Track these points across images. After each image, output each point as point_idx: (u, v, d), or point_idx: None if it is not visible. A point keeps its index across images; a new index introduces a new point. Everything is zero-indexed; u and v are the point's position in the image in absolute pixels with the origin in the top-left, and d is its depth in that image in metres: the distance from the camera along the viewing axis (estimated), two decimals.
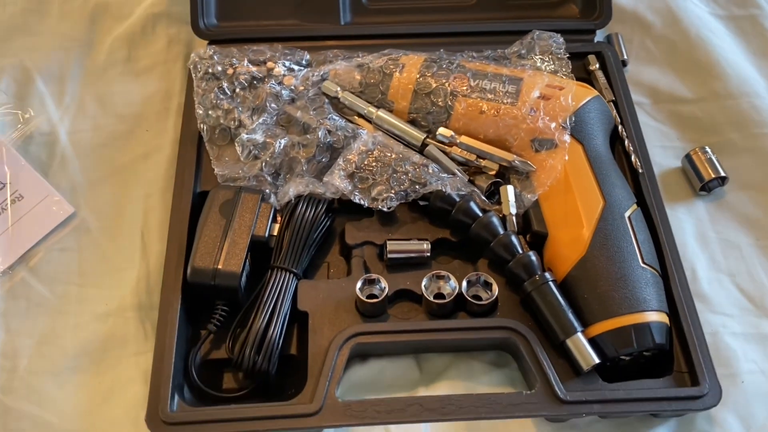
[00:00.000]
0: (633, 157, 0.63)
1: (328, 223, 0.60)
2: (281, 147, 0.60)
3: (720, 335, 0.58)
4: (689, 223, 0.65)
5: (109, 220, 0.65)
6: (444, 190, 0.58)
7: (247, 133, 0.60)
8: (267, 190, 0.59)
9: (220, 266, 0.54)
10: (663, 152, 0.69)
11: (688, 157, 0.67)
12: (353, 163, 0.59)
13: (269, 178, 0.60)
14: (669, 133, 0.71)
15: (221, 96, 0.63)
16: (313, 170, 0.61)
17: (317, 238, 0.59)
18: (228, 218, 0.56)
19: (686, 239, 0.63)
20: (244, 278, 0.56)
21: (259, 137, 0.61)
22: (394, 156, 0.60)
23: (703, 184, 0.65)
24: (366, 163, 0.60)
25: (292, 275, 0.56)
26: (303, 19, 0.72)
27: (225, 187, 0.59)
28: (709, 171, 0.66)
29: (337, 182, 0.58)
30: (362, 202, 0.58)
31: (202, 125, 0.63)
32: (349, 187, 0.58)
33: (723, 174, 0.65)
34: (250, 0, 0.71)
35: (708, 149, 0.66)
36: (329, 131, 0.61)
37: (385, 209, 0.58)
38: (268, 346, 0.53)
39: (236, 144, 0.61)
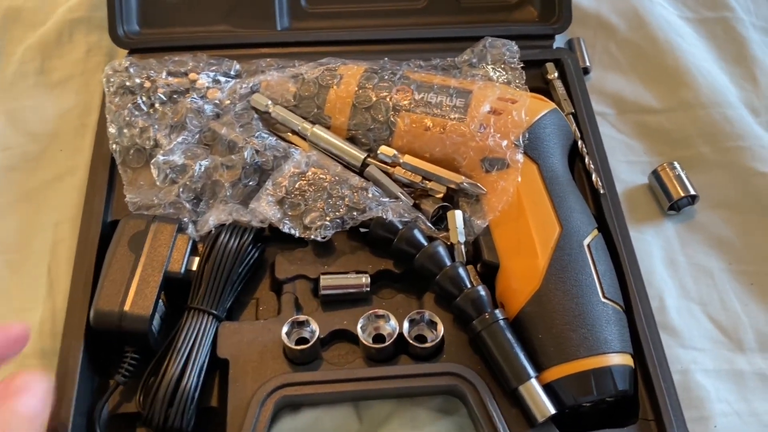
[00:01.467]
0: (594, 176, 0.57)
1: (256, 255, 0.53)
2: (202, 169, 0.54)
3: (691, 373, 0.53)
4: (657, 246, 0.59)
5: (13, 253, 0.58)
6: (385, 216, 0.52)
7: (163, 154, 0.54)
8: (185, 219, 0.53)
9: (127, 309, 0.48)
10: (628, 168, 0.64)
11: (655, 174, 0.62)
12: (283, 187, 0.53)
13: (188, 205, 0.53)
14: (635, 147, 0.65)
15: (136, 112, 0.56)
16: (238, 195, 0.54)
17: (242, 273, 0.52)
18: (137, 253, 0.50)
19: (654, 264, 0.58)
20: (156, 321, 0.49)
21: (177, 158, 0.54)
22: (329, 179, 0.54)
23: (672, 203, 0.60)
24: (298, 186, 0.53)
25: (211, 317, 0.49)
26: (235, 24, 0.65)
27: (136, 216, 0.52)
28: (678, 189, 0.60)
29: (265, 209, 0.52)
30: (293, 232, 0.52)
31: (114, 145, 0.56)
32: (278, 215, 0.52)
33: (693, 192, 0.60)
34: (176, 5, 0.65)
35: (677, 165, 0.61)
36: (257, 151, 0.55)
37: (319, 239, 0.52)
38: (181, 398, 0.46)
39: (152, 166, 0.54)
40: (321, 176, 0.53)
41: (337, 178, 0.54)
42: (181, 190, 0.53)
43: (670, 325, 0.55)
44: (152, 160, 0.54)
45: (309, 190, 0.53)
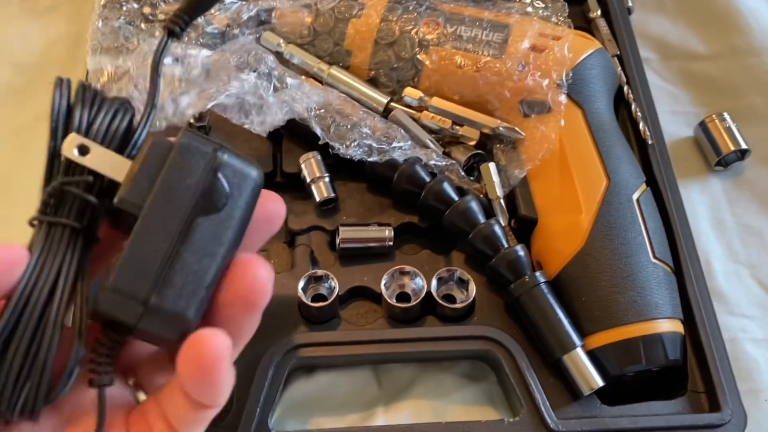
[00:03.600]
0: (641, 125, 0.52)
1: None
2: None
3: (739, 342, 0.49)
4: (702, 205, 0.55)
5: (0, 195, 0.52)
6: (411, 166, 0.47)
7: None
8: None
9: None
10: (672, 119, 0.58)
11: (702, 126, 0.56)
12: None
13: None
14: (680, 96, 0.60)
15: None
16: None
17: None
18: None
19: (699, 224, 0.53)
20: None
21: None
22: (355, 115, 0.48)
23: (720, 158, 0.55)
24: (320, 110, 0.48)
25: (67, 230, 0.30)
26: None
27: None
28: (728, 142, 0.55)
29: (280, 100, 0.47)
30: (322, 135, 0.47)
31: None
32: (302, 110, 0.47)
33: (744, 146, 0.55)
34: None
35: (726, 116, 0.56)
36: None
37: (348, 155, 0.47)
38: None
39: None
40: (345, 110, 0.48)
41: (361, 118, 0.48)
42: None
43: (717, 290, 0.50)
44: None
45: (335, 116, 0.48)
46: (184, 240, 0.27)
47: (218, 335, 0.27)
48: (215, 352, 0.27)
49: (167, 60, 0.45)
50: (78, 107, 0.30)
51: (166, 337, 0.28)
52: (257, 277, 0.29)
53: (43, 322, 0.28)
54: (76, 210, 0.29)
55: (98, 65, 0.48)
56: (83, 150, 0.29)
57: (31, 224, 0.30)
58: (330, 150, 0.47)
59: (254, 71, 0.48)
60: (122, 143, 0.30)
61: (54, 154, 0.30)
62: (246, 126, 0.47)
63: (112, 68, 0.48)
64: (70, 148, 0.29)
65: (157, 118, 0.45)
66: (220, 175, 0.28)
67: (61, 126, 0.30)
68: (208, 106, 0.46)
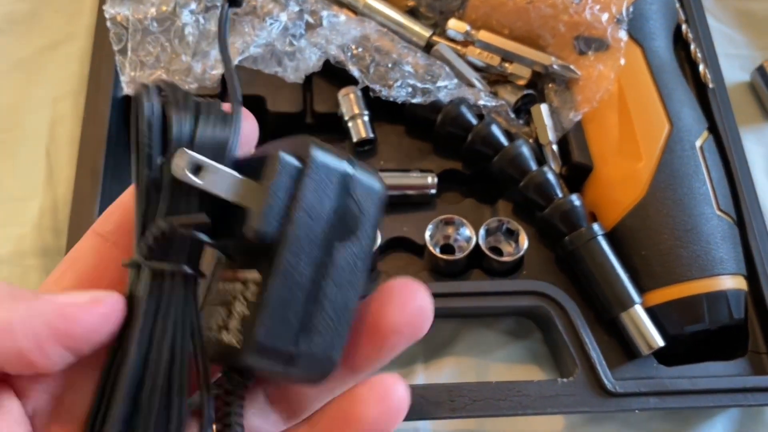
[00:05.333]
0: (701, 67, 0.48)
1: None
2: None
3: None
4: (758, 155, 0.51)
5: (3, 133, 0.48)
6: (457, 107, 0.43)
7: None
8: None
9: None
10: (727, 62, 0.54)
11: (760, 70, 0.52)
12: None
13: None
14: (735, 38, 0.56)
15: None
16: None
17: None
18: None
19: (755, 175, 0.50)
20: None
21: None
22: (395, 50, 0.44)
23: None
24: (358, 48, 0.44)
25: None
26: None
27: None
28: None
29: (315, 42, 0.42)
30: (363, 80, 0.43)
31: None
32: (340, 54, 0.43)
33: None
34: None
35: None
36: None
37: (391, 98, 0.43)
38: None
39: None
40: (384, 46, 0.44)
41: (401, 54, 0.44)
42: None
43: None
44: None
45: (374, 54, 0.43)
46: (325, 273, 0.23)
47: (401, 381, 0.24)
48: (402, 399, 0.24)
49: (185, 17, 0.40)
50: (175, 115, 0.23)
51: (307, 381, 0.24)
52: (423, 307, 0.25)
53: (171, 390, 0.22)
54: (188, 251, 0.23)
55: (116, 11, 0.42)
56: (196, 169, 0.23)
57: (127, 266, 0.23)
58: (371, 93, 0.43)
59: (283, 11, 0.43)
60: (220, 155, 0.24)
61: (154, 178, 0.23)
62: (279, 74, 0.42)
63: (132, 15, 0.42)
64: (181, 168, 0.22)
65: (186, 80, 0.40)
66: (353, 193, 0.24)
67: (156, 142, 0.23)
68: (236, 61, 0.41)
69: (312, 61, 0.41)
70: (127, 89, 0.39)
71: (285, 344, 0.22)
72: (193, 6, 0.41)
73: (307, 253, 0.23)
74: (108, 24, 0.41)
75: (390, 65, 0.43)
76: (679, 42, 0.49)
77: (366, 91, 0.44)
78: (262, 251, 0.22)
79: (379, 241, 0.40)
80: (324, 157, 0.23)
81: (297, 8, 0.43)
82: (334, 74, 0.45)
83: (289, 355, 0.22)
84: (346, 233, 0.23)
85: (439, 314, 0.42)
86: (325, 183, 0.23)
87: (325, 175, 0.23)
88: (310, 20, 0.44)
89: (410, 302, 0.25)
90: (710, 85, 0.47)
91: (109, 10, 0.40)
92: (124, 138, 0.45)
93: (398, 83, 0.42)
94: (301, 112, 0.46)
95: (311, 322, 0.23)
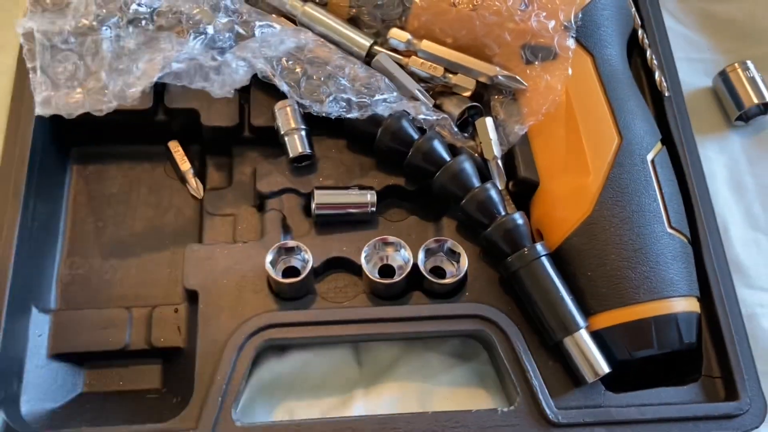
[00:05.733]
0: (657, 75, 0.46)
1: None
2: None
3: (756, 318, 0.44)
4: (720, 165, 0.49)
5: None
6: (397, 121, 0.41)
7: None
8: None
9: None
10: (689, 67, 0.52)
11: (723, 75, 0.51)
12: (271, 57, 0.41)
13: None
14: (697, 41, 0.54)
15: None
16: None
17: None
18: None
19: (716, 187, 0.48)
20: None
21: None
22: (332, 60, 0.42)
23: (741, 112, 0.50)
24: (291, 61, 0.41)
25: None
26: None
27: None
28: (750, 94, 0.50)
29: (245, 56, 0.40)
30: (293, 95, 0.41)
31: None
32: (268, 69, 0.40)
33: None
34: None
35: (750, 65, 0.50)
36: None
37: (323, 114, 0.41)
38: None
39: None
40: (320, 57, 0.42)
41: (338, 66, 0.42)
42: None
43: (734, 261, 0.45)
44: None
45: (306, 67, 0.41)
46: None
47: None
48: None
49: (104, 32, 0.38)
50: None
51: None
52: None
53: None
54: None
55: (30, 26, 0.39)
56: None
57: None
58: (300, 109, 0.41)
59: (210, 23, 0.41)
60: None
61: None
62: (206, 89, 0.40)
63: (41, 31, 0.38)
64: None
65: (102, 100, 0.37)
66: None
67: None
68: (156, 77, 0.38)
69: (239, 75, 0.39)
70: (39, 110, 0.37)
71: None
72: (115, 19, 0.39)
73: None
74: (20, 40, 0.38)
75: (323, 78, 0.41)
76: (635, 48, 0.47)
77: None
78: None
79: (311, 262, 0.38)
80: None
81: (226, 19, 0.41)
82: (273, 86, 0.43)
83: None
84: None
85: (379, 339, 0.41)
86: None
87: None
88: (241, 31, 0.42)
89: None
90: (666, 94, 0.45)
91: (23, 24, 0.38)
92: (49, 157, 0.43)
93: (331, 98, 0.40)
94: (237, 126, 0.44)
95: None
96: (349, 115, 0.40)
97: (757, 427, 0.37)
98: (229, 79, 0.39)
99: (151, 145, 0.45)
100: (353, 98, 0.40)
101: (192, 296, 0.39)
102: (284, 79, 0.40)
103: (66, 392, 0.39)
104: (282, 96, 0.43)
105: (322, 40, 0.43)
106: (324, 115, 0.40)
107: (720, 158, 0.50)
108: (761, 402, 0.38)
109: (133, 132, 0.45)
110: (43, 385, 0.38)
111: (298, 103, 0.41)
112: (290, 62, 0.41)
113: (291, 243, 0.39)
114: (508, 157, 0.42)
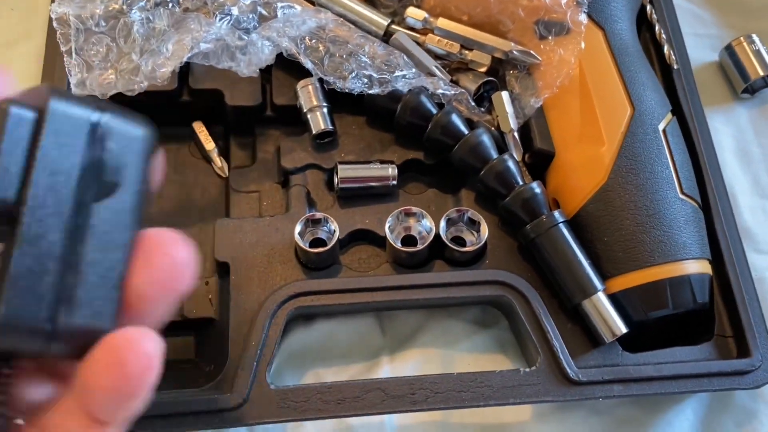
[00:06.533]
0: (665, 48, 0.47)
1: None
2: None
3: (766, 282, 0.46)
4: (727, 136, 0.51)
5: None
6: (416, 97, 0.42)
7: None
8: None
9: None
10: (695, 42, 0.54)
11: (728, 49, 0.52)
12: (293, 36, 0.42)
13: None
14: (703, 17, 0.55)
15: None
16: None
17: None
18: None
19: (723, 157, 0.49)
20: None
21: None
22: (352, 39, 0.43)
23: (747, 85, 0.51)
24: (313, 39, 0.43)
25: None
26: None
27: None
28: (756, 67, 0.51)
29: (268, 34, 0.41)
30: (317, 71, 0.42)
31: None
32: (293, 46, 0.42)
33: None
34: None
35: (756, 38, 0.51)
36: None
37: (347, 89, 0.42)
38: None
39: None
40: (341, 36, 0.43)
41: (358, 44, 0.43)
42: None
43: (743, 227, 0.47)
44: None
45: (329, 45, 0.43)
46: (82, 237, 0.21)
47: (147, 335, 0.21)
48: (145, 359, 0.21)
49: (133, 14, 0.39)
50: None
51: (75, 355, 0.22)
52: (176, 259, 0.23)
53: None
54: None
55: (63, 11, 0.40)
56: None
57: None
58: (325, 86, 0.43)
59: (235, 5, 0.42)
60: None
61: None
62: (233, 69, 0.41)
63: (76, 15, 0.40)
64: None
65: (134, 80, 0.39)
66: (106, 144, 0.21)
67: None
68: (186, 58, 0.40)
69: (264, 54, 0.41)
70: (75, 90, 0.38)
71: (38, 320, 0.20)
72: (143, 2, 0.40)
73: (54, 216, 0.20)
74: (54, 24, 0.40)
75: (345, 56, 0.42)
76: (644, 23, 0.49)
77: (325, 82, 0.43)
78: (4, 220, 0.20)
79: (337, 233, 0.40)
80: (65, 106, 0.21)
81: (249, 0, 0.42)
82: (293, 66, 0.44)
83: (45, 331, 0.20)
84: (105, 189, 0.21)
85: (403, 306, 0.43)
86: (68, 135, 0.21)
87: (69, 126, 0.21)
88: (264, 12, 0.43)
89: (157, 258, 0.22)
90: (675, 67, 0.47)
91: (56, 9, 0.40)
92: None
93: (353, 74, 0.41)
94: (260, 105, 0.45)
95: (71, 292, 0.21)
96: (371, 91, 0.42)
97: None
98: (255, 59, 0.40)
99: (176, 126, 0.47)
100: (374, 75, 0.42)
101: (223, 268, 0.41)
102: (308, 57, 0.42)
103: None
104: (303, 75, 0.44)
105: (342, 19, 0.44)
106: (347, 90, 0.42)
107: (727, 129, 0.51)
108: None
109: (159, 113, 0.45)
110: None
111: (321, 79, 0.42)
112: (313, 41, 0.42)
113: (318, 215, 0.40)
114: (524, 130, 0.44)
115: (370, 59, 0.43)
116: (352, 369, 0.43)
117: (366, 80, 0.42)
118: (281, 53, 0.42)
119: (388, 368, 0.42)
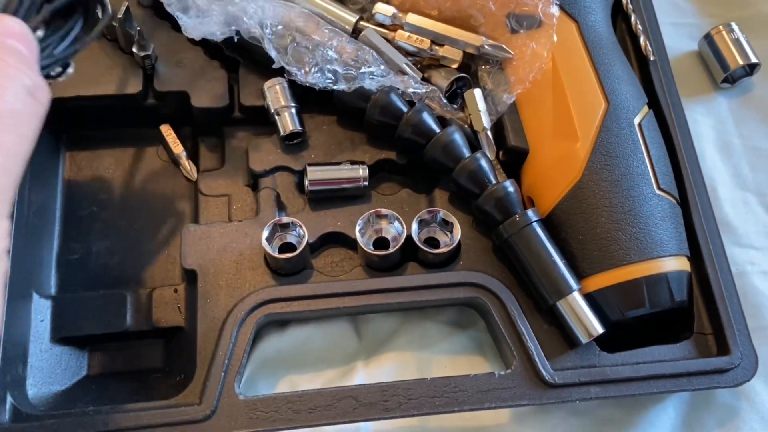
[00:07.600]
0: (642, 40, 0.46)
1: None
2: None
3: (747, 276, 0.45)
4: (707, 127, 0.50)
5: None
6: (386, 95, 0.41)
7: None
8: None
9: None
10: (674, 32, 0.53)
11: (707, 38, 0.51)
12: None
13: None
14: (682, 5, 0.54)
15: None
16: None
17: None
18: None
19: (703, 148, 0.49)
20: None
21: None
22: (319, 35, 0.42)
23: (727, 74, 0.50)
24: (278, 29, 0.42)
25: None
26: None
27: None
28: (736, 56, 0.50)
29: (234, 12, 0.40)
30: (281, 60, 0.41)
31: None
32: (258, 30, 0.41)
33: (754, 59, 0.50)
34: None
35: (735, 27, 0.50)
36: None
37: (308, 83, 0.41)
38: None
39: None
40: (308, 29, 0.42)
41: (326, 38, 0.42)
42: None
43: (723, 220, 0.46)
44: None
45: (295, 35, 0.41)
46: None
47: None
48: None
49: None
50: None
51: None
52: None
53: None
54: None
55: None
56: None
57: None
58: (285, 76, 0.41)
59: None
60: None
61: None
62: (178, 19, 0.40)
63: None
64: None
65: None
66: None
67: None
68: None
69: (216, 27, 0.39)
70: None
71: None
72: None
73: None
74: None
75: (311, 47, 0.41)
76: (620, 14, 0.48)
77: (294, 82, 0.42)
78: None
79: (306, 238, 0.39)
80: None
81: None
82: (261, 66, 0.43)
83: None
84: None
85: (377, 310, 0.42)
86: None
87: None
88: None
89: None
90: (651, 58, 0.46)
91: None
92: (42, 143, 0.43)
93: (316, 68, 0.40)
94: (227, 106, 0.44)
95: None
96: (335, 87, 0.41)
97: (748, 380, 0.38)
98: (205, 28, 0.39)
99: (142, 128, 0.46)
100: (339, 70, 0.41)
101: (191, 276, 0.40)
102: (272, 43, 0.40)
103: (71, 375, 0.40)
104: (271, 75, 0.43)
105: (309, 13, 0.43)
106: (309, 84, 0.41)
107: (707, 120, 0.50)
108: (752, 356, 0.38)
109: (125, 116, 0.45)
110: (48, 369, 0.39)
111: (284, 69, 0.41)
112: (279, 27, 0.41)
113: (285, 219, 0.39)
114: (498, 127, 0.43)
115: (337, 53, 0.41)
116: (327, 375, 0.42)
117: (330, 75, 0.41)
118: (244, 40, 0.41)
119: (363, 373, 0.41)
